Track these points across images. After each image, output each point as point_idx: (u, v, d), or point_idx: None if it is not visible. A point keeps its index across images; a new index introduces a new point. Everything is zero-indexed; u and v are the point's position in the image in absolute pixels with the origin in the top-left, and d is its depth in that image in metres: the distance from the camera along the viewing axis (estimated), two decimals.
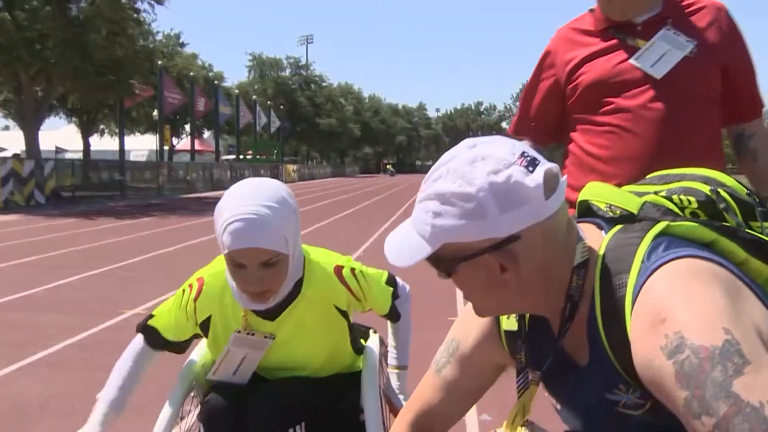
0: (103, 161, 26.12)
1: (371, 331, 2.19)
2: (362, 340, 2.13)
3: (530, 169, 0.96)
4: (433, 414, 1.30)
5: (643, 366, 0.90)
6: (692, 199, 1.09)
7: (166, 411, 1.87)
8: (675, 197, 1.10)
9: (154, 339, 1.89)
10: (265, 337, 1.82)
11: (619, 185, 1.21)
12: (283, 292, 1.74)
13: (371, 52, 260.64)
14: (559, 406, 1.18)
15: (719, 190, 1.10)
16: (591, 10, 2.01)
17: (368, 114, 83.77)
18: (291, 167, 46.73)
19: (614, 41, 1.92)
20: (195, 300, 1.81)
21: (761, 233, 1.07)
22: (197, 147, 37.04)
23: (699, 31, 1.88)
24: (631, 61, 1.87)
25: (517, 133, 2.24)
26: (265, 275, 1.61)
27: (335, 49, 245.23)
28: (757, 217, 1.10)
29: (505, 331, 1.19)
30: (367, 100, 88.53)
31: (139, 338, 1.91)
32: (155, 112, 32.62)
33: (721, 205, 1.08)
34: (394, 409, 2.08)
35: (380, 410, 1.91)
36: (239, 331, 1.80)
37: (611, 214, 1.10)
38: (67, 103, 29.17)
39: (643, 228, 1.02)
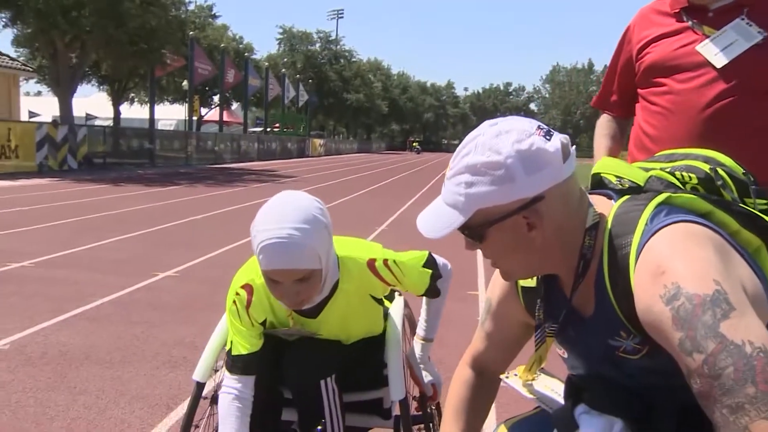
0: (134, 129, 26.49)
1: (396, 293, 2.30)
2: (387, 302, 2.23)
3: (548, 138, 1.11)
4: (484, 358, 1.49)
5: (644, 312, 1.05)
6: (693, 175, 1.23)
7: (206, 355, 2.02)
8: (678, 173, 1.24)
9: (248, 364, 1.87)
10: (311, 333, 1.97)
11: (634, 162, 1.36)
12: (320, 296, 1.84)
13: (401, 28, 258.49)
14: (565, 355, 1.34)
15: (718, 168, 1.24)
16: None
17: (396, 91, 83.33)
18: (317, 141, 46.84)
19: (683, 24, 1.96)
20: (247, 309, 1.87)
21: (753, 208, 1.22)
22: (225, 118, 37.30)
23: None
24: (698, 47, 1.91)
25: (599, 106, 2.31)
26: (300, 289, 1.70)
27: (365, 24, 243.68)
28: (750, 194, 1.24)
29: (522, 287, 1.34)
30: (395, 77, 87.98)
31: (231, 388, 1.86)
32: (185, 82, 32.88)
33: (719, 182, 1.22)
34: (414, 376, 2.19)
35: (402, 366, 2.02)
36: (288, 329, 1.95)
37: (620, 186, 1.25)
38: (99, 70, 29.53)
39: (648, 197, 1.16)
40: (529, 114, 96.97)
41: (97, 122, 32.89)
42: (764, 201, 1.25)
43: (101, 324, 4.40)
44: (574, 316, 1.23)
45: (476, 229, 1.14)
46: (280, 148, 37.87)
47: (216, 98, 39.12)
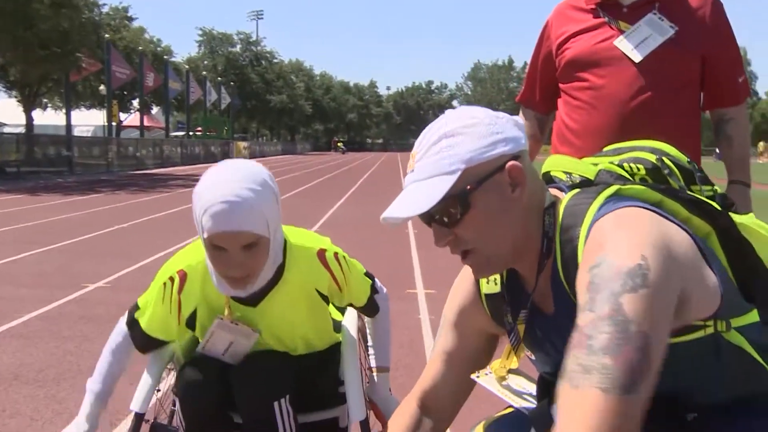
0: (50, 136, 25.46)
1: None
2: (338, 314, 2.12)
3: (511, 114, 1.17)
4: (436, 390, 1.40)
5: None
6: (641, 166, 1.25)
7: (145, 382, 1.86)
8: (626, 165, 1.26)
9: (139, 338, 1.83)
10: (251, 330, 1.80)
11: (583, 158, 1.38)
12: (263, 277, 1.70)
13: (322, 28, 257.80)
14: (533, 357, 1.33)
15: (663, 158, 1.27)
16: None
17: (319, 91, 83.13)
18: (241, 144, 46.16)
19: (600, 20, 2.02)
20: (179, 293, 1.76)
21: (700, 194, 1.25)
22: (146, 123, 36.29)
23: (683, 17, 1.95)
24: (615, 42, 1.97)
25: (522, 102, 2.35)
26: (246, 258, 1.58)
27: (286, 25, 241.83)
28: (696, 182, 1.28)
29: (486, 295, 1.32)
30: (318, 78, 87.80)
31: (124, 327, 1.86)
32: (102, 87, 31.84)
33: (665, 171, 1.25)
34: (378, 412, 2.06)
35: (361, 381, 1.91)
36: (222, 318, 1.78)
37: (570, 182, 1.25)
38: (7, 74, 28.22)
39: (597, 190, 1.16)
40: None
41: (6, 129, 31.43)
42: (709, 187, 1.29)
43: (30, 341, 4.17)
44: (538, 315, 1.23)
45: (464, 195, 1.10)
46: (204, 152, 37.17)
47: (135, 102, 38.04)
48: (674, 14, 1.96)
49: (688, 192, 1.24)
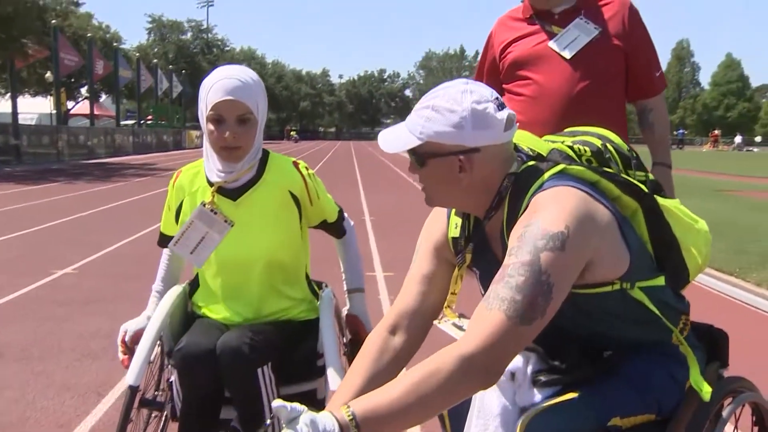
0: None
1: (324, 284, 2.33)
2: (316, 287, 2.27)
3: (500, 108, 1.38)
4: (415, 308, 1.54)
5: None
6: (587, 149, 1.55)
7: (138, 357, 1.96)
8: (575, 147, 1.55)
9: (162, 241, 2.21)
10: (225, 221, 2.05)
11: (545, 135, 1.65)
12: (249, 159, 2.03)
13: (274, 16, 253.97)
14: (483, 291, 1.55)
15: (607, 144, 1.57)
16: (522, 0, 2.46)
17: (271, 80, 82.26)
18: (194, 133, 45.49)
19: (536, 26, 2.37)
20: (173, 186, 2.15)
21: (633, 178, 1.53)
22: (95, 111, 35.58)
23: (605, 20, 2.31)
24: (549, 44, 2.32)
25: None
26: (239, 131, 1.95)
27: (237, 12, 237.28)
28: (631, 167, 1.57)
29: (452, 238, 1.57)
30: (270, 66, 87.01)
31: (166, 254, 2.28)
32: (48, 74, 31.10)
33: (606, 155, 1.55)
34: (361, 326, 2.20)
35: (339, 353, 2.02)
36: (204, 204, 2.06)
37: (531, 155, 1.51)
38: None
39: (547, 167, 1.44)
40: (404, 100, 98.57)
41: None
42: (642, 173, 1.58)
43: (8, 322, 4.33)
44: (489, 252, 1.49)
45: (421, 156, 1.41)
46: (156, 141, 36.68)
47: (83, 90, 37.20)
48: (598, 19, 2.30)
49: (622, 175, 1.51)
